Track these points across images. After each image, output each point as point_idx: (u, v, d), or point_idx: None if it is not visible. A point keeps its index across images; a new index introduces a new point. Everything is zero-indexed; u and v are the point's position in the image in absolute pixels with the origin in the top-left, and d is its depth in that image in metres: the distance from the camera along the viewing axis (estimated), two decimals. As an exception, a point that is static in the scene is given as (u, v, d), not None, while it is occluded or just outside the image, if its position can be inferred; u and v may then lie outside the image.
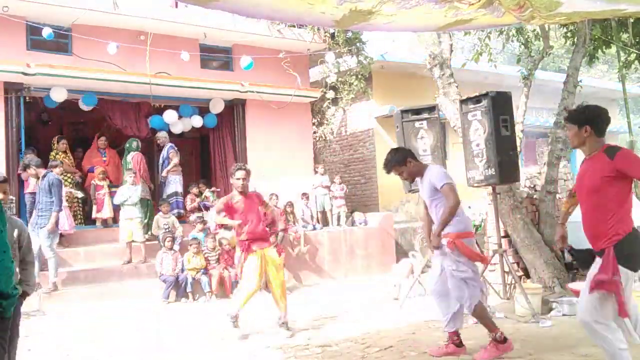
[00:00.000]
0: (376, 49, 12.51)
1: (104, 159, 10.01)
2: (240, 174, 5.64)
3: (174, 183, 9.73)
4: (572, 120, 3.50)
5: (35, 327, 6.35)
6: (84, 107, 9.42)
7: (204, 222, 8.91)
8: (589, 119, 3.40)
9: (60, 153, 9.26)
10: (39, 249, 7.17)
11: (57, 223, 7.40)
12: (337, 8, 3.44)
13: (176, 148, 9.97)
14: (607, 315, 3.22)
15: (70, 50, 9.35)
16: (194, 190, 9.86)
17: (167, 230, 8.64)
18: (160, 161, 9.99)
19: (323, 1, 3.33)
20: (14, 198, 7.99)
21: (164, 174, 9.74)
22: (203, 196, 10.07)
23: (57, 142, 9.34)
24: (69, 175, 9.25)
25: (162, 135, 10.03)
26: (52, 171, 7.59)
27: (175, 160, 9.75)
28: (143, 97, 9.70)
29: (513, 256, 7.40)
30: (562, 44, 11.39)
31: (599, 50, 8.51)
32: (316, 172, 11.02)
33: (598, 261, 3.30)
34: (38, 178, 7.61)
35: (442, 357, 4.44)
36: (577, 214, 7.24)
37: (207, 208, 9.59)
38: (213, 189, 10.52)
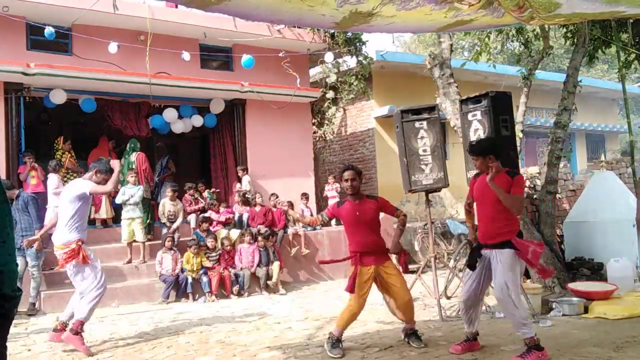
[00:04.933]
0: (376, 49, 12.52)
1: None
2: (348, 174, 4.80)
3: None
4: (476, 153, 4.30)
5: (35, 327, 6.36)
6: (86, 108, 9.47)
7: (210, 221, 8.92)
8: (490, 150, 4.25)
9: (65, 153, 9.30)
10: (25, 269, 7.06)
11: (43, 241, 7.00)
12: (338, 10, 3.44)
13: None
14: (518, 290, 4.20)
15: (70, 50, 9.36)
16: (190, 191, 9.75)
17: (170, 216, 8.77)
18: (159, 169, 10.29)
19: (323, 3, 3.33)
20: None
21: (158, 179, 10.25)
22: (201, 196, 10.09)
23: (63, 143, 9.37)
24: (74, 175, 9.29)
25: (161, 146, 10.68)
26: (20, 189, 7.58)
27: (173, 169, 10.61)
28: (143, 97, 9.71)
29: (513, 256, 7.40)
30: (562, 44, 11.41)
31: (599, 50, 8.52)
32: (241, 175, 10.25)
33: (489, 252, 4.28)
34: (12, 200, 7.10)
35: None
36: (576, 215, 7.25)
37: (206, 209, 9.59)
38: (212, 189, 10.53)
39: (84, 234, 5.25)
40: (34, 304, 7.17)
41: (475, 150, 4.34)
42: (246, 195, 9.86)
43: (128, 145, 9.77)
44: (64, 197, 5.28)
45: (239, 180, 10.24)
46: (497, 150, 4.30)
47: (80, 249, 5.11)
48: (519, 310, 4.14)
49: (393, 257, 4.85)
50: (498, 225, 4.24)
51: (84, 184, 5.28)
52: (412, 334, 4.84)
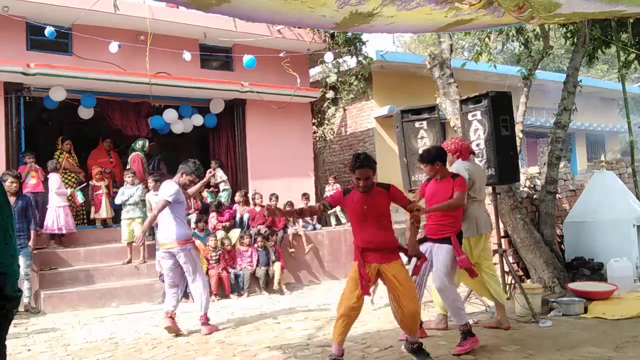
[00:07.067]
0: (376, 49, 12.52)
1: (111, 160, 10.13)
2: (359, 173, 4.10)
3: None
4: (426, 161, 4.88)
5: (35, 327, 6.36)
6: (84, 114, 9.49)
7: (205, 222, 8.91)
8: (437, 157, 4.84)
9: (64, 153, 9.30)
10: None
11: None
12: (338, 11, 3.44)
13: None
14: (453, 281, 4.83)
15: (70, 50, 9.36)
16: None
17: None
18: (149, 169, 10.32)
19: (323, 4, 3.33)
20: None
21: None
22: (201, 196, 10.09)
23: (62, 143, 9.37)
24: (73, 175, 9.30)
25: (154, 145, 10.72)
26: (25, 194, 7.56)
27: (164, 171, 10.70)
28: (143, 97, 9.72)
29: (513, 256, 7.41)
30: (562, 44, 11.40)
31: (599, 50, 8.51)
32: (213, 168, 9.98)
33: (431, 245, 4.87)
34: (12, 195, 6.98)
35: None
36: (576, 215, 7.24)
37: (206, 209, 9.59)
38: (212, 189, 10.52)
39: (175, 233, 5.72)
40: (29, 304, 7.16)
41: (425, 159, 4.88)
42: (247, 195, 9.86)
43: (132, 145, 9.81)
44: None
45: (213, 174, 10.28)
46: (443, 158, 4.92)
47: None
48: (451, 298, 4.69)
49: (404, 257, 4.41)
50: (442, 224, 4.78)
51: (161, 193, 5.83)
52: (417, 350, 4.29)
